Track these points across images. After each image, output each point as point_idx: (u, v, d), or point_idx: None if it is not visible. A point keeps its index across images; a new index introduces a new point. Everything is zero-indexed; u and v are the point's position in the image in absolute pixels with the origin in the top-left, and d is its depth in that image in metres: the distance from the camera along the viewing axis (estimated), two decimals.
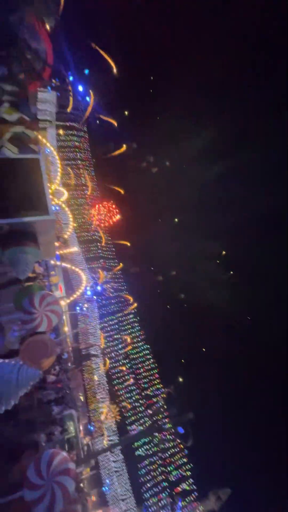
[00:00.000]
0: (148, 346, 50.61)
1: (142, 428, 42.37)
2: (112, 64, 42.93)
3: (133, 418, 43.68)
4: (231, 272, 48.70)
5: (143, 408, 44.93)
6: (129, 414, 44.15)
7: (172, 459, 42.29)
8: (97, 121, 42.78)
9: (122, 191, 47.32)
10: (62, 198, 31.78)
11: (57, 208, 26.12)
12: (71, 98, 40.50)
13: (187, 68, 45.67)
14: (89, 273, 38.67)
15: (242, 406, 46.48)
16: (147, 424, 42.32)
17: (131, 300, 49.45)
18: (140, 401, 46.13)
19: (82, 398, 30.22)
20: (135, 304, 48.59)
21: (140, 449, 42.74)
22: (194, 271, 50.37)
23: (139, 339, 50.99)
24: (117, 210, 42.98)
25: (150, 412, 42.85)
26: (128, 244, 48.48)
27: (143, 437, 41.26)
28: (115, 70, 41.29)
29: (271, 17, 40.39)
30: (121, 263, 47.79)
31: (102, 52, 41.98)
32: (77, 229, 39.91)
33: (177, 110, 46.63)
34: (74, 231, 35.25)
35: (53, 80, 38.71)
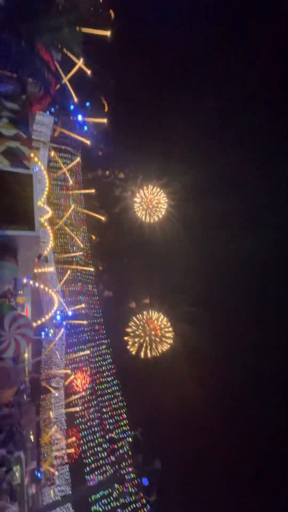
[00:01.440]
0: (118, 382, 47.46)
1: (101, 478, 37.72)
2: (105, 104, 45.49)
3: (93, 465, 38.97)
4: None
5: (105, 454, 40.48)
6: (89, 460, 39.45)
7: None
8: (92, 149, 44.42)
9: (103, 218, 47.95)
10: (45, 216, 31.24)
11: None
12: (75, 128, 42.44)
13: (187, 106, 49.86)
14: (62, 296, 36.72)
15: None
16: (108, 474, 37.81)
17: (102, 330, 47.39)
18: (104, 445, 41.72)
19: (32, 438, 26.40)
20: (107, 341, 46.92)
21: (97, 504, 37.57)
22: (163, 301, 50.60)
23: (109, 373, 47.77)
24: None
25: (113, 459, 38.60)
26: (100, 267, 48.06)
27: (102, 489, 36.50)
28: (106, 109, 43.77)
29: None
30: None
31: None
32: (57, 249, 38.88)
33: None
34: (52, 251, 34.19)
35: (54, 107, 40.69)
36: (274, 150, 46.75)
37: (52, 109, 38.39)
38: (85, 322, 43.42)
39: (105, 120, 42.24)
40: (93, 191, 45.25)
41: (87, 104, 45.45)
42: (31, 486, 24.94)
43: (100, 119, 42.18)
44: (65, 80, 32.88)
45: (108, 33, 32.49)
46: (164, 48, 49.29)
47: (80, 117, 44.20)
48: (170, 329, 47.07)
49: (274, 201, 47.82)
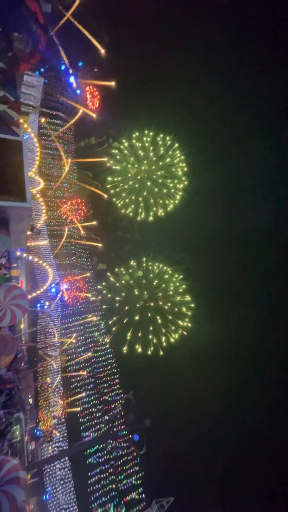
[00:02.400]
0: (112, 350, 49.63)
1: (96, 434, 40.95)
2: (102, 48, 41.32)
3: (88, 424, 42.11)
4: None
5: (100, 414, 43.56)
6: (85, 419, 42.52)
7: (124, 467, 41.26)
8: (86, 113, 41.56)
9: (105, 196, 46.91)
10: (37, 188, 30.31)
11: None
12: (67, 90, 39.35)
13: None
14: (57, 270, 36.87)
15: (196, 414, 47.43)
16: (102, 431, 41.02)
17: (98, 301, 48.33)
18: (98, 406, 44.70)
19: (31, 401, 28.25)
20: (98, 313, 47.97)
21: (92, 457, 41.15)
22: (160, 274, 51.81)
23: (103, 342, 49.78)
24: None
25: (107, 418, 41.65)
26: (100, 245, 47.77)
27: (96, 444, 39.85)
28: (103, 52, 39.85)
29: None
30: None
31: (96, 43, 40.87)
32: (50, 221, 38.16)
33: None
34: (45, 224, 33.65)
35: (44, 67, 37.35)
36: None
37: (42, 70, 35.39)
38: (82, 294, 44.12)
39: (112, 83, 39.27)
40: (87, 160, 43.40)
41: (80, 64, 41.96)
42: (30, 443, 27.15)
43: (105, 82, 39.19)
44: (53, 33, 30.07)
45: None
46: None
47: (72, 79, 41.11)
48: None
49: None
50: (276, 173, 49.77)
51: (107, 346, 49.17)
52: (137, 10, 42.20)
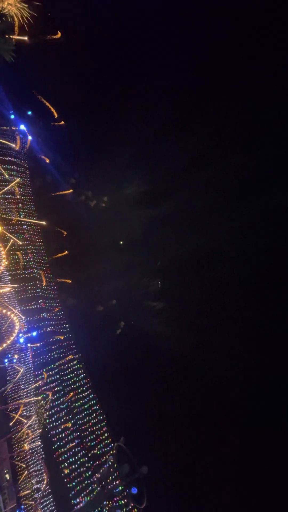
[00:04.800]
0: (94, 395, 45.88)
1: (89, 498, 35.93)
2: (53, 110, 45.16)
3: (78, 488, 36.93)
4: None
5: (90, 473, 38.69)
6: (73, 483, 37.31)
7: None
8: (39, 158, 43.28)
9: (64, 232, 47.08)
10: None
11: None
12: (18, 138, 40.88)
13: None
14: (23, 316, 34.32)
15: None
16: (95, 492, 36.16)
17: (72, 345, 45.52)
18: (87, 464, 39.82)
19: (8, 476, 24.22)
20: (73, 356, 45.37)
21: None
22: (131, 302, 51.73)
23: (84, 388, 45.90)
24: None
25: (98, 476, 37.04)
26: (70, 281, 46.49)
27: (91, 510, 34.81)
28: (55, 115, 43.35)
29: None
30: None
31: (44, 101, 44.06)
32: (11, 266, 36.33)
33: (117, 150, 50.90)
34: (6, 269, 31.88)
35: None
36: None
37: None
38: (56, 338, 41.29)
39: (62, 122, 41.52)
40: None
41: (29, 112, 44.20)
42: None
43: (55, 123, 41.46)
44: None
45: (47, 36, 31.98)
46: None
47: (22, 126, 42.89)
48: None
49: None
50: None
51: (89, 391, 45.46)
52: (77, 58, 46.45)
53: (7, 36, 22.82)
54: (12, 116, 40.82)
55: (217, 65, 51.06)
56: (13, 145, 40.39)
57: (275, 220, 49.45)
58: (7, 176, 38.91)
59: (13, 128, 41.42)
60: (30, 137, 43.53)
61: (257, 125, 51.73)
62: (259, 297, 50.99)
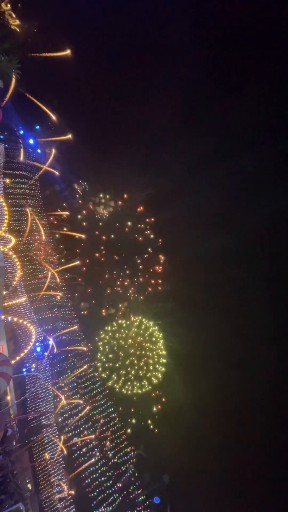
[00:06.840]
0: (112, 402, 45.58)
1: (111, 508, 35.45)
2: (57, 120, 45.72)
3: (100, 498, 36.51)
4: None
5: (111, 482, 38.21)
6: (95, 493, 36.93)
7: None
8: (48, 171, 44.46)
9: (83, 236, 48.45)
10: (9, 245, 29.75)
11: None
12: (22, 150, 42.10)
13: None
14: (39, 325, 34.71)
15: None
16: (117, 502, 35.63)
17: (87, 349, 45.77)
18: (108, 473, 39.37)
19: (30, 486, 24.17)
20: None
21: None
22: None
23: (101, 396, 45.73)
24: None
25: (120, 485, 36.52)
26: (83, 283, 47.43)
27: None
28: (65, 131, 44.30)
29: None
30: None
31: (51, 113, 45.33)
32: (26, 276, 37.05)
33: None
34: (22, 280, 32.50)
35: (3, 134, 40.09)
36: None
37: (1, 136, 37.77)
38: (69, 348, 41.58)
39: (69, 136, 42.50)
40: (66, 214, 45.23)
41: (37, 127, 45.52)
42: None
43: (62, 137, 42.59)
44: (4, 105, 32.51)
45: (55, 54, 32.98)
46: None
47: (31, 141, 44.22)
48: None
49: None
50: None
51: (107, 399, 45.23)
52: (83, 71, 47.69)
53: (11, 52, 23.72)
54: (21, 132, 42.17)
55: (220, 68, 51.32)
56: (22, 159, 41.64)
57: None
58: (18, 190, 40.14)
59: (20, 141, 42.72)
60: (39, 150, 44.80)
61: (263, 126, 51.63)
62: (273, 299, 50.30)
